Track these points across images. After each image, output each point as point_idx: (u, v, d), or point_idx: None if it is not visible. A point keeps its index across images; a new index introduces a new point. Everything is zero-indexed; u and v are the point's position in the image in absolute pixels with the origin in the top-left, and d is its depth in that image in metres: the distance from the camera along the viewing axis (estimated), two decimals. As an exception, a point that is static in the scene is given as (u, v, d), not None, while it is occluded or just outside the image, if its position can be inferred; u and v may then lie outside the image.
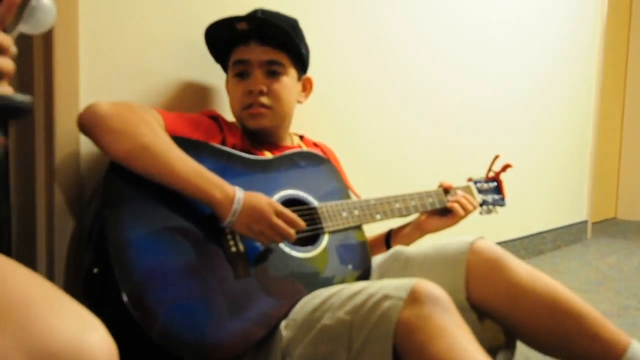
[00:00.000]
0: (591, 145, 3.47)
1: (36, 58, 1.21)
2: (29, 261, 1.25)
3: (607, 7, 3.44)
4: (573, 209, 3.36)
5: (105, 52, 1.30)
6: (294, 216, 1.12)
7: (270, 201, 1.10)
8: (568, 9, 3.11)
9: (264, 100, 1.28)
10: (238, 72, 1.30)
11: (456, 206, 1.44)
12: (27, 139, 1.24)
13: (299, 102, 1.39)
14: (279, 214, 1.10)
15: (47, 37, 1.20)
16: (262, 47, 1.27)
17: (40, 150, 1.23)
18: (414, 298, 0.95)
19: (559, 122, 3.14)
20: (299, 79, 1.37)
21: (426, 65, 2.23)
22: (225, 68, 1.38)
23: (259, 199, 1.10)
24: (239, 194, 1.08)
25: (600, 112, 3.51)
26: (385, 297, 0.97)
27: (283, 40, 1.28)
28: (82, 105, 1.25)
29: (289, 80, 1.32)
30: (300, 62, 1.35)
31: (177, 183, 1.05)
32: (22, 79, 1.24)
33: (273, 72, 1.28)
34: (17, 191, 1.28)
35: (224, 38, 1.32)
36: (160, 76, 1.41)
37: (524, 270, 1.17)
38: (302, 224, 1.13)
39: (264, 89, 1.27)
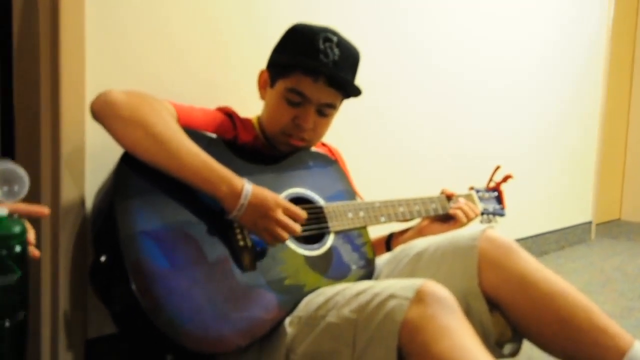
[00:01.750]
0: (596, 146, 3.46)
1: (42, 53, 1.22)
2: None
3: (614, 9, 3.43)
4: (577, 209, 3.35)
5: (112, 46, 1.31)
6: (300, 212, 1.12)
7: (277, 198, 1.10)
8: (572, 10, 3.10)
9: (307, 135, 1.26)
10: (292, 100, 1.22)
11: (459, 213, 1.44)
12: (33, 131, 1.25)
13: None
14: (286, 211, 1.10)
15: (54, 33, 1.20)
16: (328, 88, 1.22)
17: (46, 143, 1.23)
18: (419, 298, 0.95)
19: (564, 123, 3.13)
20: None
21: (430, 68, 2.23)
22: (272, 67, 1.28)
23: (267, 195, 1.09)
24: (248, 187, 1.07)
25: (605, 113, 3.50)
26: (391, 296, 0.97)
27: (348, 88, 1.25)
28: (88, 99, 1.25)
29: (333, 117, 1.29)
30: (348, 97, 1.31)
31: (185, 174, 1.05)
32: (28, 74, 1.24)
33: (324, 113, 1.25)
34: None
35: (301, 59, 1.23)
36: (167, 72, 1.41)
37: (534, 261, 1.18)
38: (304, 216, 1.13)
39: (312, 126, 1.25)
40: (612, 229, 3.89)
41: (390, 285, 1.00)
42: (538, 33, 2.83)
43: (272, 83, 1.27)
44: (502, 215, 1.63)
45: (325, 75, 1.20)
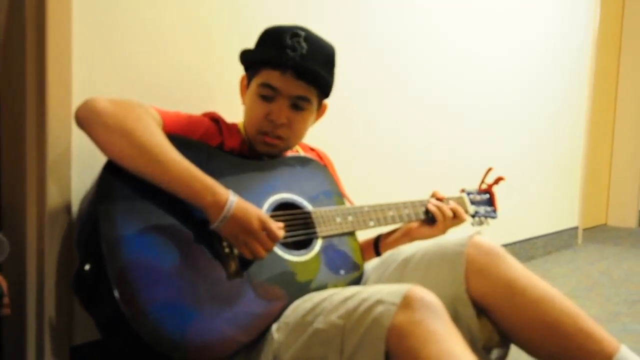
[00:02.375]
0: (582, 151, 3.49)
1: (29, 55, 1.21)
2: (19, 259, 1.24)
3: (599, 16, 3.47)
4: (564, 215, 3.38)
5: (99, 50, 1.30)
6: (278, 232, 1.11)
7: (259, 214, 1.09)
8: (559, 16, 3.14)
9: (282, 132, 1.25)
10: (264, 94, 1.24)
11: (436, 210, 1.42)
12: (18, 136, 1.23)
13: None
14: (267, 230, 1.09)
15: (40, 36, 1.20)
16: (297, 81, 1.22)
17: (31, 148, 1.22)
18: (407, 304, 0.95)
19: (551, 129, 3.16)
20: (319, 107, 1.33)
21: (420, 74, 2.24)
22: (248, 69, 1.31)
23: (250, 211, 1.08)
24: (232, 199, 1.07)
25: (591, 118, 3.54)
26: (379, 302, 0.97)
27: (318, 81, 1.25)
28: (75, 104, 1.24)
29: (309, 114, 1.29)
30: (326, 94, 1.32)
31: (170, 184, 1.05)
32: (14, 78, 1.23)
33: (298, 106, 1.25)
34: (7, 189, 1.27)
35: (267, 54, 1.25)
36: (155, 75, 1.41)
37: (521, 267, 1.19)
38: (281, 236, 1.12)
39: (285, 122, 1.24)
40: (598, 234, 3.92)
41: (377, 291, 1.00)
42: (527, 43, 2.86)
43: (248, 84, 1.28)
44: (493, 217, 1.62)
45: (293, 68, 1.21)
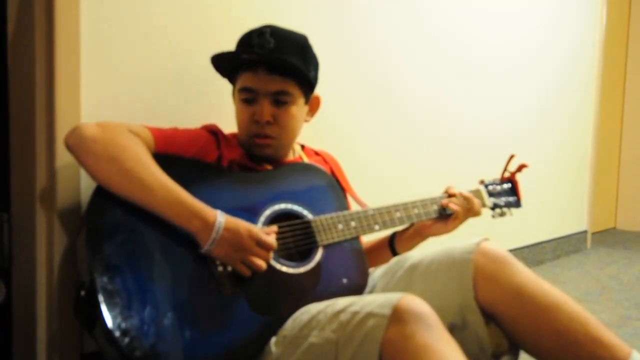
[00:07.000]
0: (591, 155, 3.47)
1: (38, 60, 1.22)
2: (29, 266, 1.25)
3: (605, 23, 3.46)
4: (573, 219, 3.36)
5: (107, 55, 1.32)
6: (271, 242, 1.10)
7: (250, 229, 1.09)
8: (568, 17, 3.13)
9: (270, 130, 1.26)
10: (245, 98, 1.26)
11: (453, 206, 1.38)
12: (28, 141, 1.24)
13: (305, 121, 1.37)
14: (259, 242, 1.09)
15: (49, 41, 1.21)
16: (270, 76, 1.23)
17: (41, 153, 1.24)
18: (397, 316, 0.94)
19: (559, 133, 3.15)
20: (307, 101, 1.33)
21: (427, 75, 2.24)
22: (232, 82, 1.34)
23: (240, 227, 1.08)
24: (220, 220, 1.06)
25: (599, 122, 3.52)
26: (370, 315, 0.96)
27: (292, 71, 1.25)
28: (83, 108, 1.25)
29: (297, 108, 1.28)
30: (309, 86, 1.32)
31: (158, 209, 1.06)
32: (24, 82, 1.24)
33: (280, 102, 1.25)
34: (17, 194, 1.28)
35: (230, 64, 1.29)
36: (162, 83, 1.41)
37: (529, 273, 1.18)
38: (274, 247, 1.11)
39: (271, 119, 1.25)
40: (607, 237, 3.90)
41: (369, 303, 0.99)
42: (536, 45, 2.85)
43: (233, 95, 1.31)
44: (517, 207, 1.55)
45: (263, 64, 1.22)
